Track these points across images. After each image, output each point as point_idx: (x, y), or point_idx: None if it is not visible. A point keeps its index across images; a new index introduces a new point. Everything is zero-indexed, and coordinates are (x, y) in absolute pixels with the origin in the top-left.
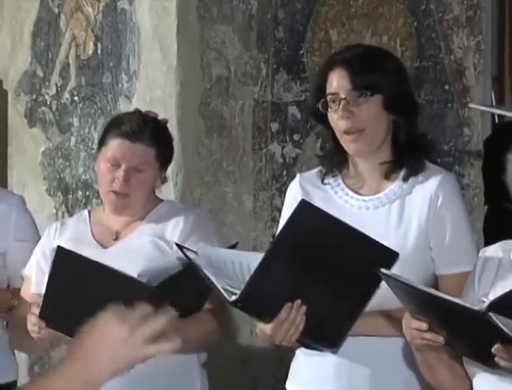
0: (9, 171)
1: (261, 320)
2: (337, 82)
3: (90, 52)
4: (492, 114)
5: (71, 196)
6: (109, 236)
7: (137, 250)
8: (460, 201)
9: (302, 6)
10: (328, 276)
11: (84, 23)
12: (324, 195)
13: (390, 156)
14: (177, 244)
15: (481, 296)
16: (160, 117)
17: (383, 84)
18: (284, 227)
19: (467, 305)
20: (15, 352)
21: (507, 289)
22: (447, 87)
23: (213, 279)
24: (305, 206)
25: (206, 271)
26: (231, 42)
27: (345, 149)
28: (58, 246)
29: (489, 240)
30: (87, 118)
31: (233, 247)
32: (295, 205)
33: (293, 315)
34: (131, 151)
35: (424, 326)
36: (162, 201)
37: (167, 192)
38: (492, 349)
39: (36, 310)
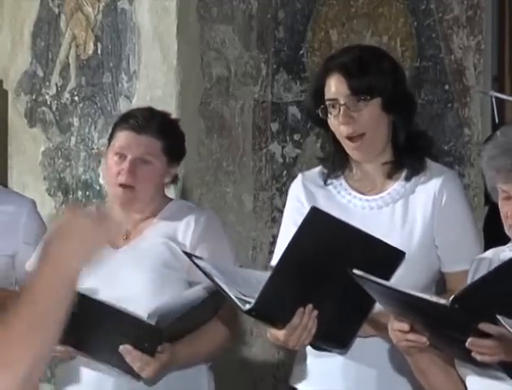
0: (9, 171)
1: (273, 326)
2: (335, 88)
3: (90, 52)
4: (493, 114)
5: (71, 196)
6: (119, 235)
7: (149, 253)
8: (464, 198)
9: (302, 6)
10: (338, 278)
11: (84, 23)
12: (328, 194)
13: (391, 156)
14: (185, 253)
15: None
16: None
17: (381, 86)
18: (295, 235)
19: (434, 299)
20: None
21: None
22: (447, 87)
23: (225, 287)
24: (315, 213)
25: (217, 280)
26: (231, 42)
27: (349, 153)
28: None
29: (489, 240)
30: (87, 118)
31: None
32: (298, 205)
33: (306, 320)
34: (136, 142)
35: (406, 327)
36: (171, 199)
37: (167, 192)
38: (466, 344)
39: None
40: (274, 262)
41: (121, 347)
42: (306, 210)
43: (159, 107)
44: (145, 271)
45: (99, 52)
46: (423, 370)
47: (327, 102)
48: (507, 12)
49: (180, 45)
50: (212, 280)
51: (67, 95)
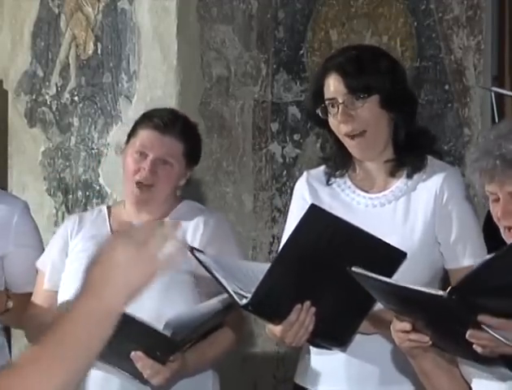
0: (9, 171)
1: (271, 322)
2: (333, 87)
3: (90, 52)
4: (492, 114)
5: (71, 196)
6: None
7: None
8: (465, 195)
9: (302, 6)
10: (337, 277)
11: (84, 23)
12: (332, 192)
13: (393, 154)
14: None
15: None
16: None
17: (378, 84)
18: (293, 231)
19: (431, 291)
20: (14, 352)
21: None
22: (447, 87)
23: (223, 282)
24: (314, 210)
25: (216, 274)
26: (231, 42)
27: (350, 151)
28: None
29: (490, 240)
30: (87, 118)
31: None
32: (302, 203)
33: (303, 317)
34: (160, 142)
35: (408, 326)
36: (182, 200)
37: None
38: (466, 336)
39: None
40: None
41: (133, 353)
42: None
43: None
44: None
45: (99, 52)
46: (426, 373)
47: (327, 102)
48: (507, 12)
49: (180, 45)
50: (211, 274)
51: (67, 95)
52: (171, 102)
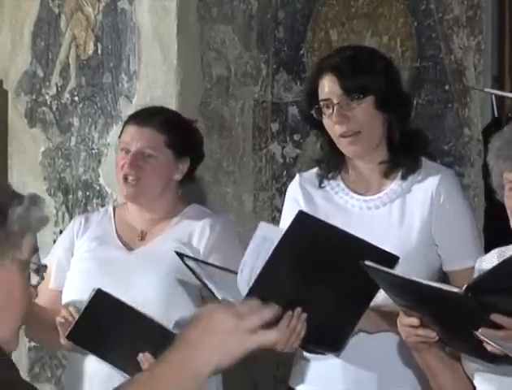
0: (9, 171)
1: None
2: (328, 88)
3: (90, 52)
4: (493, 114)
5: (71, 196)
6: (134, 235)
7: (163, 257)
8: (462, 196)
9: (302, 6)
10: (329, 282)
11: (84, 23)
12: (325, 195)
13: (387, 155)
14: (177, 253)
15: None
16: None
17: (373, 85)
18: (282, 239)
19: (447, 287)
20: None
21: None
22: (447, 87)
23: (213, 289)
24: (302, 217)
25: (206, 281)
26: (231, 42)
27: (343, 152)
28: (98, 289)
29: (490, 240)
30: (87, 118)
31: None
32: (296, 206)
33: (294, 323)
34: (140, 135)
35: (416, 321)
36: (188, 204)
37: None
38: (478, 333)
39: (71, 312)
40: None
41: (140, 355)
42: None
43: None
44: (158, 276)
45: (99, 52)
46: (430, 367)
47: (321, 103)
48: (507, 12)
49: (180, 45)
50: (201, 281)
51: (67, 95)
52: (171, 102)
